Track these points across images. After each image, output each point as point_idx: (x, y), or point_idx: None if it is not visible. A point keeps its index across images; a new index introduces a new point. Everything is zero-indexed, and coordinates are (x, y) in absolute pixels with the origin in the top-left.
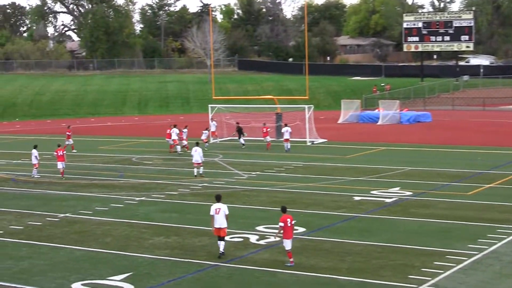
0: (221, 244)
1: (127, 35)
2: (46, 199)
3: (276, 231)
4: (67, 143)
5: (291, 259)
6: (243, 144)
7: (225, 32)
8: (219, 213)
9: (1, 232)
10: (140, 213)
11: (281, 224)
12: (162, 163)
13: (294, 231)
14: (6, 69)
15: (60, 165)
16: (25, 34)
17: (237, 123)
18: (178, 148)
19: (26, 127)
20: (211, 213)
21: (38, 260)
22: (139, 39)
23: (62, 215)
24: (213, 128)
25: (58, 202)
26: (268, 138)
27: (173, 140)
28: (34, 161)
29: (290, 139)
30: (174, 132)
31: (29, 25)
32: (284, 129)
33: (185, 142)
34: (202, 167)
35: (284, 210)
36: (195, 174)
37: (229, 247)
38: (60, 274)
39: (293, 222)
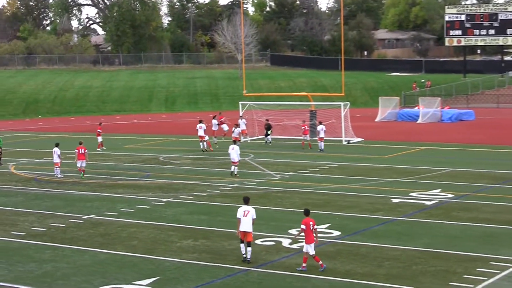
0: (249, 251)
1: (154, 28)
2: (69, 200)
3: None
4: (100, 140)
5: (321, 263)
6: (269, 142)
7: (257, 26)
8: (247, 216)
9: (24, 234)
10: (168, 215)
11: (303, 226)
12: (190, 163)
13: (329, 235)
14: (29, 64)
15: (79, 163)
16: (48, 28)
17: (267, 120)
18: (215, 139)
19: (49, 125)
20: (238, 215)
21: (61, 263)
22: (167, 33)
23: (86, 216)
24: (242, 127)
25: (82, 203)
26: (307, 137)
27: (199, 136)
28: (56, 159)
29: (325, 138)
30: (202, 128)
31: (52, 18)
32: (318, 128)
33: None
34: (236, 167)
35: (307, 213)
36: (235, 173)
37: (260, 251)
38: (84, 278)
39: (315, 226)
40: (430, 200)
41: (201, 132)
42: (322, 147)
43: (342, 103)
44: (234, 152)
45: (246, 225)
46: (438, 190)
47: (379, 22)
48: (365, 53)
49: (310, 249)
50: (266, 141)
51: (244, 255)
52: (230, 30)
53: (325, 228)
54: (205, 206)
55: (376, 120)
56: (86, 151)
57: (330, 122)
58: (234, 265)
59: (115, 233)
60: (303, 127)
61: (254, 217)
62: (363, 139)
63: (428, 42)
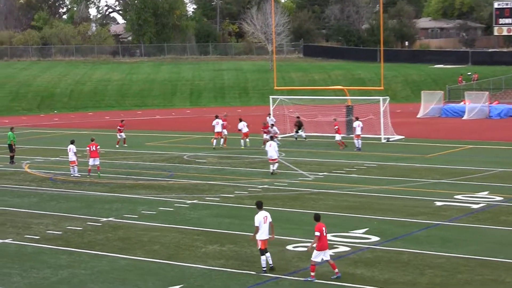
0: (269, 256)
1: (178, 17)
2: (87, 201)
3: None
4: (119, 137)
5: (336, 270)
6: (304, 138)
7: (289, 14)
8: (266, 221)
9: (38, 237)
10: (192, 218)
11: (317, 233)
12: (217, 162)
13: (367, 241)
14: (44, 55)
15: (92, 161)
16: (64, 16)
17: (298, 117)
18: (242, 142)
19: (65, 120)
20: (257, 223)
21: (78, 269)
22: (192, 22)
23: (105, 219)
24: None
25: (100, 204)
26: (338, 136)
27: (216, 133)
28: (72, 157)
29: (362, 136)
30: (219, 123)
31: (69, 6)
32: (355, 124)
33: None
34: (277, 164)
35: (318, 218)
36: (271, 171)
37: (292, 257)
38: (102, 285)
39: (326, 231)
40: (477, 203)
41: (218, 128)
42: (360, 145)
43: (381, 98)
44: (272, 149)
45: (266, 233)
46: (486, 193)
47: (421, 9)
48: (406, 43)
49: (325, 256)
50: (296, 138)
51: (264, 267)
52: (260, 19)
53: (363, 233)
54: (232, 208)
55: (418, 116)
56: (99, 147)
57: (368, 118)
58: (263, 273)
59: (136, 237)
60: (335, 126)
61: (270, 220)
62: (403, 137)
63: (475, 32)
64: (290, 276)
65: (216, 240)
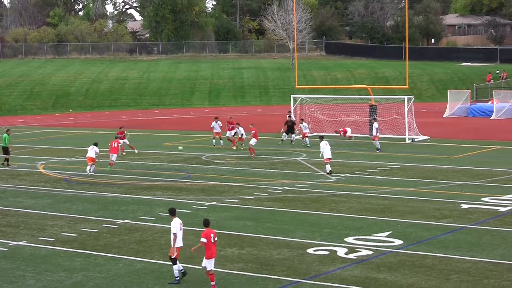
0: (179, 265)
1: (197, 13)
2: (102, 203)
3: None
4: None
5: (213, 283)
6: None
7: (311, 10)
8: (181, 229)
9: (53, 239)
10: (210, 220)
11: (204, 240)
12: (236, 163)
13: (390, 244)
14: (59, 53)
15: (113, 157)
16: (80, 13)
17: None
18: (214, 141)
19: (81, 120)
20: (174, 230)
21: (94, 272)
22: (211, 19)
23: (121, 221)
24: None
25: (116, 206)
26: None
27: (216, 133)
28: (92, 155)
29: (387, 136)
30: (218, 124)
31: (85, 3)
32: (375, 125)
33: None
34: (328, 164)
35: (206, 223)
36: (328, 171)
37: (314, 261)
38: None
39: (216, 238)
40: (505, 206)
41: (217, 129)
42: (379, 146)
43: (406, 97)
44: (328, 148)
45: (181, 240)
46: None
47: (448, 6)
48: (433, 40)
49: (209, 264)
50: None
51: (177, 277)
52: (281, 15)
53: (386, 237)
54: (252, 210)
55: (444, 116)
56: (120, 144)
57: (392, 118)
58: (283, 277)
59: (152, 240)
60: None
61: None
62: (429, 137)
63: (504, 28)
64: (310, 281)
65: (235, 243)
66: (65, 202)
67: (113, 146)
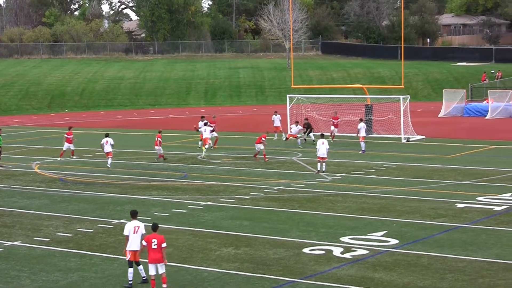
0: (141, 270)
1: (193, 13)
2: (98, 203)
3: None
4: (65, 148)
5: (165, 286)
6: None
7: (307, 10)
8: (138, 232)
9: (48, 240)
10: (206, 220)
11: (144, 243)
12: (232, 162)
13: (386, 243)
14: (55, 52)
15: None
16: (76, 13)
17: (306, 119)
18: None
19: (77, 120)
20: (126, 232)
21: (89, 272)
22: (207, 18)
23: (117, 221)
24: (277, 123)
25: (112, 206)
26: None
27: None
28: (108, 149)
29: (383, 136)
30: (203, 125)
31: (81, 2)
32: (360, 126)
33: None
34: (324, 164)
35: (154, 228)
36: (318, 169)
37: (309, 261)
38: None
39: (163, 245)
40: (500, 205)
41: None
42: (363, 147)
43: (401, 97)
44: (324, 147)
45: (137, 244)
46: (509, 194)
47: (444, 5)
48: (428, 40)
49: (152, 268)
50: (305, 140)
51: (131, 281)
52: (277, 15)
53: (381, 236)
54: (248, 210)
55: (439, 115)
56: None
57: (388, 117)
58: (279, 276)
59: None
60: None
61: (144, 232)
62: (424, 137)
63: (499, 28)
64: (306, 280)
65: (231, 243)
66: (60, 202)
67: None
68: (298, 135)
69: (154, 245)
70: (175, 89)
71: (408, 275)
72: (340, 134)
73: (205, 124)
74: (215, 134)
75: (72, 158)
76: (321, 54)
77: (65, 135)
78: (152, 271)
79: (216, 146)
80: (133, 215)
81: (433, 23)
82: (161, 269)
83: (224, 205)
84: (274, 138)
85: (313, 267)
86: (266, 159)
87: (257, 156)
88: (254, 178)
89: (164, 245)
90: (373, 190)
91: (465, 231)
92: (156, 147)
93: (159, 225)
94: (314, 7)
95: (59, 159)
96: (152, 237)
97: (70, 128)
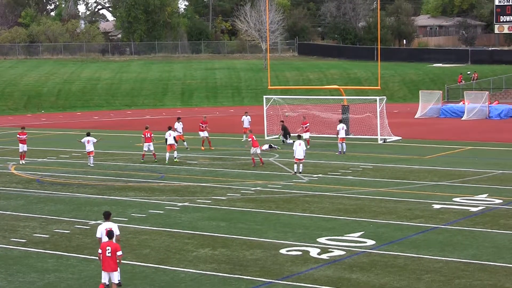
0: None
1: (169, 14)
2: (75, 204)
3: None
4: (21, 150)
5: None
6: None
7: (284, 11)
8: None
9: (24, 241)
10: (183, 221)
11: (99, 251)
12: (208, 163)
13: (362, 244)
14: (31, 53)
15: (146, 147)
16: (52, 13)
17: (282, 121)
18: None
19: (53, 120)
20: (99, 235)
21: (66, 273)
22: (184, 19)
23: (93, 222)
24: (246, 124)
25: (88, 207)
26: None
27: (168, 145)
28: (90, 148)
29: (359, 137)
30: (179, 126)
31: (57, 3)
32: (339, 127)
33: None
34: (301, 165)
35: (110, 235)
36: (295, 170)
37: (286, 261)
38: None
39: (119, 253)
40: (476, 206)
41: (170, 141)
42: (344, 149)
43: (377, 98)
44: (301, 148)
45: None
46: (485, 195)
47: (420, 7)
48: (404, 41)
49: (105, 276)
50: (283, 141)
51: (108, 283)
52: (253, 16)
53: (358, 237)
54: (224, 211)
55: (415, 116)
56: (152, 135)
57: (366, 115)
58: (256, 277)
59: (125, 241)
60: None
61: (118, 233)
62: (401, 138)
63: (475, 29)
64: (283, 281)
65: (208, 244)
66: (37, 203)
67: (146, 136)
68: (263, 148)
69: (108, 252)
70: (151, 89)
71: (385, 275)
72: (315, 135)
73: (169, 129)
74: (206, 134)
75: (22, 162)
76: (298, 55)
77: (18, 136)
78: (105, 279)
79: (213, 148)
80: (106, 216)
81: (409, 24)
82: (114, 278)
83: (201, 206)
84: (243, 140)
85: (290, 268)
86: (262, 163)
87: (254, 159)
88: (231, 179)
89: (119, 253)
90: (350, 191)
91: (441, 232)
92: (146, 144)
93: (137, 226)
94: (291, 8)
95: (21, 162)
96: (106, 244)
97: (23, 128)
